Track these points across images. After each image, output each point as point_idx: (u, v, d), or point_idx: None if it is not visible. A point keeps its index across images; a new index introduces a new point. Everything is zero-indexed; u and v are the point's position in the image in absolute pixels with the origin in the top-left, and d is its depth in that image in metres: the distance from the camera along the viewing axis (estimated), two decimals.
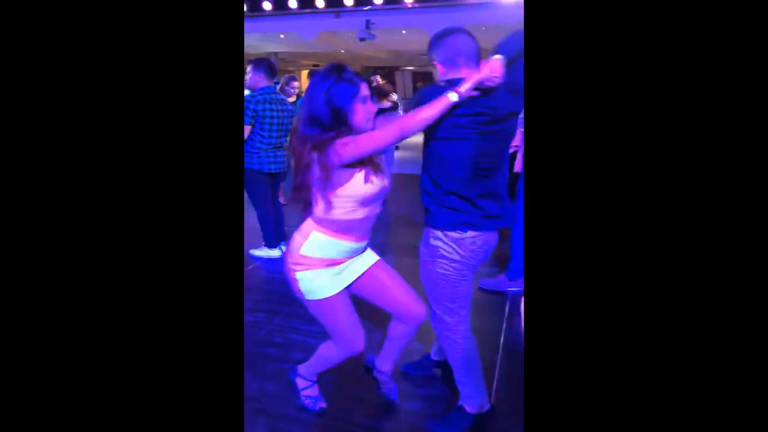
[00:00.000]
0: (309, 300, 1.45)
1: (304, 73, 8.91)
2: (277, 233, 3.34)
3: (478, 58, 1.37)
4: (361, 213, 1.38)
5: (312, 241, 1.40)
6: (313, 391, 1.72)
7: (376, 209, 1.43)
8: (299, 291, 1.45)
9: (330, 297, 1.43)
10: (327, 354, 1.60)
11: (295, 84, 4.25)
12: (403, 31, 8.57)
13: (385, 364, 1.72)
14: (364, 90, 1.32)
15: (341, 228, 1.38)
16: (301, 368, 1.72)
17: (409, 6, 7.53)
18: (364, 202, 1.36)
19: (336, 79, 1.30)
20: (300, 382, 1.72)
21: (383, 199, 1.44)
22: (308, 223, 1.43)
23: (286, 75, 4.38)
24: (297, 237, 1.44)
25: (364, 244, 1.49)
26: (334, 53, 12.63)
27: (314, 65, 15.59)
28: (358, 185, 1.32)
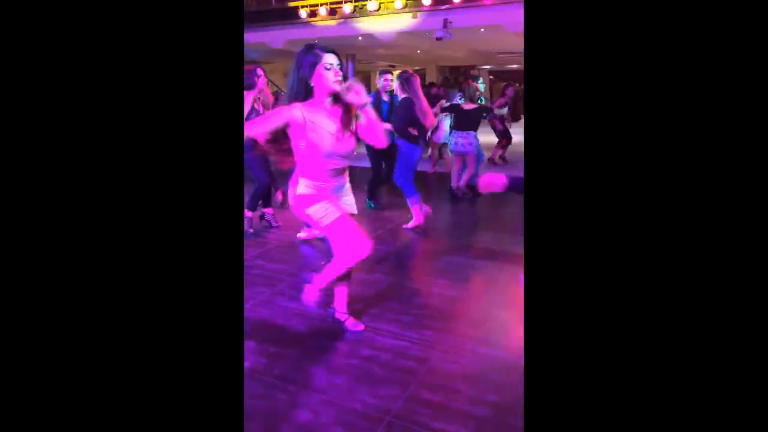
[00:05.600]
0: (324, 225, 1.88)
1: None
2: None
3: None
4: (330, 163, 1.83)
5: (302, 185, 1.88)
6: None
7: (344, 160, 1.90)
8: (315, 222, 1.90)
9: (338, 217, 1.88)
10: (335, 266, 2.00)
11: (389, 77, 4.40)
12: (482, 29, 8.39)
13: (340, 304, 2.21)
14: (327, 59, 1.71)
15: (317, 175, 1.86)
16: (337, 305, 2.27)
17: (489, 4, 7.35)
18: (330, 154, 1.81)
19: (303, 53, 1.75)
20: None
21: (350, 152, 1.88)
22: (295, 174, 1.92)
23: (381, 69, 4.62)
24: (291, 189, 1.94)
25: (342, 183, 1.96)
26: (410, 54, 12.67)
27: (390, 65, 15.75)
28: (323, 142, 1.76)
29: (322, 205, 1.87)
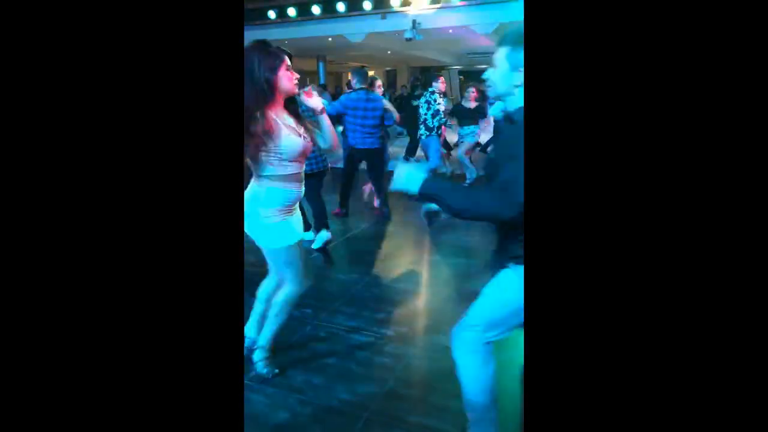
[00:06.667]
0: (276, 248, 1.75)
1: (349, 75, 9.00)
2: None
3: None
4: (295, 165, 1.71)
5: (264, 200, 1.71)
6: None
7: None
8: (269, 240, 1.74)
9: (292, 245, 1.76)
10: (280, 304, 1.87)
11: (378, 83, 4.42)
12: (450, 30, 8.49)
13: (264, 338, 1.92)
14: (288, 60, 1.65)
15: (284, 178, 1.70)
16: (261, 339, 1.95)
17: (457, 5, 7.45)
18: (296, 156, 1.69)
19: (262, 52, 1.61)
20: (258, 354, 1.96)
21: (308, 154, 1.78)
22: (259, 180, 1.71)
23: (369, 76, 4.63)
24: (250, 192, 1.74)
25: (302, 192, 1.79)
26: (381, 54, 12.70)
27: (361, 66, 15.74)
28: (291, 143, 1.66)
29: (281, 225, 1.74)
